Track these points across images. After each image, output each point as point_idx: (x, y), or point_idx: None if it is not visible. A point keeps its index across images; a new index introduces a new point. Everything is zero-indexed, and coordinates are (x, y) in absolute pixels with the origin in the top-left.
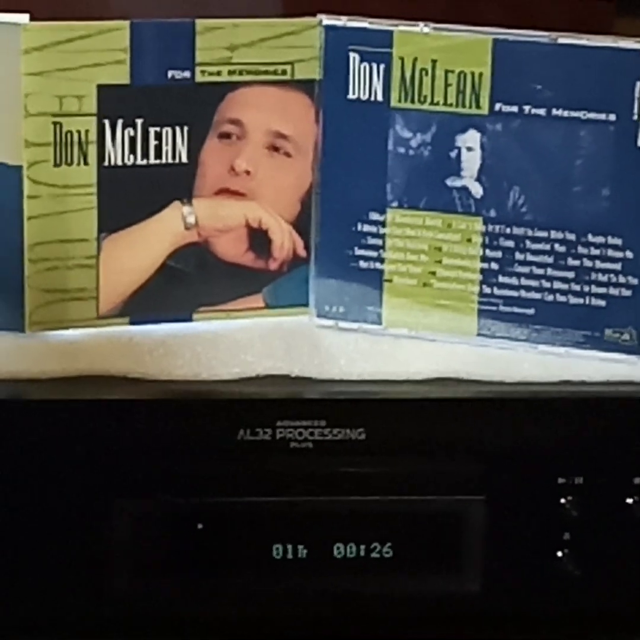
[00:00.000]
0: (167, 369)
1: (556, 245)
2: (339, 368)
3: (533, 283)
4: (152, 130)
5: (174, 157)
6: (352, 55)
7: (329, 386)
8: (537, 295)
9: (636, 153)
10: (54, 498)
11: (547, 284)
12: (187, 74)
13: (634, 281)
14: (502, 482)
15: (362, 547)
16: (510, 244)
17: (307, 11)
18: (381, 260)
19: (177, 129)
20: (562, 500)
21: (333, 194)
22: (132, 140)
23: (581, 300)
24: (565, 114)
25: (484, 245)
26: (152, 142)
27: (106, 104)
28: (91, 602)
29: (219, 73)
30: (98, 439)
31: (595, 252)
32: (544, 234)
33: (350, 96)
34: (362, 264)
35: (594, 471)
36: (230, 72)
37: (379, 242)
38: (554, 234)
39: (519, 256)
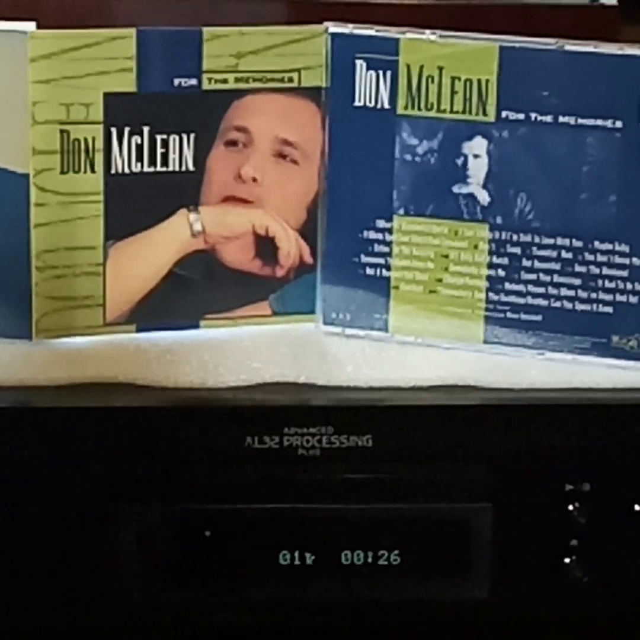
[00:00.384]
0: (174, 376)
1: (563, 252)
2: (345, 375)
3: (540, 290)
4: (158, 137)
5: (180, 164)
6: (358, 62)
7: (336, 393)
8: (544, 302)
9: None
10: (61, 505)
11: (553, 291)
12: (193, 81)
13: None
14: (510, 488)
15: (370, 554)
16: (517, 250)
17: (314, 19)
18: (388, 267)
19: (184, 136)
20: (570, 507)
21: (340, 201)
22: (139, 147)
23: (588, 307)
24: (572, 120)
25: (491, 252)
26: (159, 150)
27: (113, 112)
28: (98, 608)
29: (225, 80)
30: (105, 446)
31: (602, 258)
32: (550, 240)
33: (357, 103)
34: (369, 271)
35: (601, 478)
36: (237, 80)
37: (386, 249)
38: (560, 241)
39: (525, 263)
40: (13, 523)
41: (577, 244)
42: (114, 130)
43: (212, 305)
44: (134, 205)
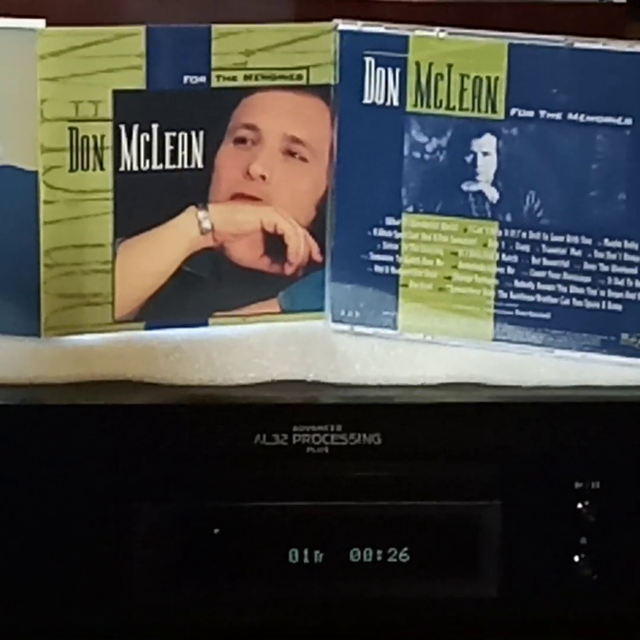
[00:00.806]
0: (182, 374)
1: (572, 250)
2: (354, 373)
3: (549, 287)
4: (167, 135)
5: (189, 162)
6: (367, 60)
7: (344, 391)
8: (553, 300)
9: None
10: (70, 503)
11: (563, 289)
12: (202, 79)
13: None
14: (519, 486)
15: (379, 551)
16: (526, 248)
17: (323, 16)
18: (397, 265)
19: (193, 134)
20: (579, 505)
21: (348, 198)
22: (148, 145)
23: (597, 305)
24: (581, 118)
25: (500, 250)
26: (168, 147)
27: (122, 109)
28: (106, 606)
29: (234, 78)
30: (113, 444)
31: (611, 256)
32: (560, 238)
33: (366, 101)
34: (378, 268)
35: (611, 476)
36: (246, 77)
37: (395, 246)
38: (570, 239)
39: (535, 261)
40: (20, 520)
41: (587, 241)
42: (123, 127)
43: (221, 302)
44: (142, 203)
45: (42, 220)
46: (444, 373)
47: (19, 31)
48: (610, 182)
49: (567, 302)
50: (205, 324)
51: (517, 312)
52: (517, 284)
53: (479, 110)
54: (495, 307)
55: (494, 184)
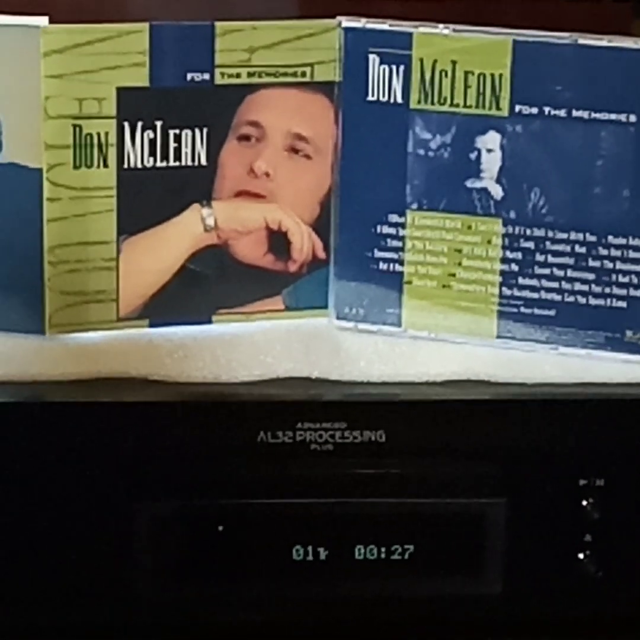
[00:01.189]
0: (186, 372)
1: (577, 247)
2: (358, 370)
3: (553, 285)
4: (171, 132)
5: (193, 159)
6: (371, 57)
7: (349, 388)
8: (558, 297)
9: None
10: (74, 501)
11: (567, 286)
12: (206, 76)
13: None
14: (523, 484)
15: (383, 549)
16: (530, 245)
17: (326, 13)
18: (401, 262)
19: (197, 131)
20: (584, 502)
21: (352, 195)
22: (152, 142)
23: (602, 302)
24: (586, 115)
25: (504, 247)
26: (172, 144)
27: (125, 107)
28: (109, 604)
29: (238, 75)
30: (118, 441)
31: (615, 253)
32: (564, 235)
33: (370, 98)
34: (382, 265)
35: (615, 473)
36: (250, 74)
37: (399, 243)
38: (574, 236)
39: (539, 258)
40: (25, 518)
41: (591, 238)
42: (126, 124)
43: (225, 300)
44: (146, 200)
45: (46, 218)
46: (448, 370)
47: (23, 28)
48: (615, 179)
49: (571, 299)
50: (209, 321)
51: (522, 309)
52: (522, 281)
53: (483, 107)
54: (500, 304)
55: (498, 181)
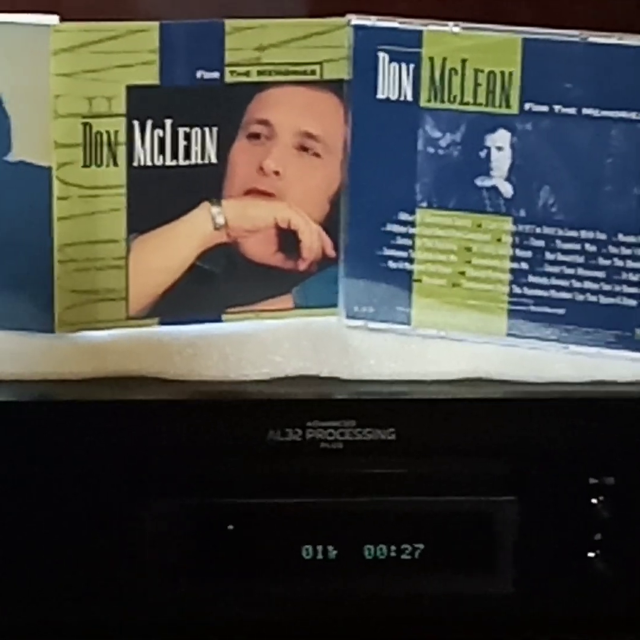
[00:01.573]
0: (196, 370)
1: (587, 245)
2: (368, 368)
3: (563, 283)
4: (181, 130)
5: (203, 157)
6: (381, 55)
7: (358, 386)
8: (568, 295)
9: None
10: (84, 499)
11: (577, 284)
12: (216, 74)
13: None
14: (533, 482)
15: (393, 548)
16: (540, 243)
17: (336, 11)
18: (410, 260)
19: (206, 129)
20: (594, 501)
21: (362, 194)
22: (161, 141)
23: (612, 300)
24: (596, 113)
25: (514, 245)
26: (181, 143)
27: (135, 105)
28: (118, 603)
29: (248, 73)
30: (126, 439)
31: (626, 251)
32: (574, 233)
33: (380, 96)
34: (391, 264)
35: (625, 471)
36: (259, 73)
37: (408, 242)
38: (584, 234)
39: (549, 256)
40: (34, 517)
41: (601, 236)
42: (136, 123)
43: (235, 298)
44: (156, 199)
45: (56, 216)
46: (457, 369)
47: (33, 27)
48: (625, 177)
49: (581, 297)
50: (219, 319)
51: (531, 308)
52: (531, 279)
53: (493, 105)
54: (509, 302)
55: (508, 179)
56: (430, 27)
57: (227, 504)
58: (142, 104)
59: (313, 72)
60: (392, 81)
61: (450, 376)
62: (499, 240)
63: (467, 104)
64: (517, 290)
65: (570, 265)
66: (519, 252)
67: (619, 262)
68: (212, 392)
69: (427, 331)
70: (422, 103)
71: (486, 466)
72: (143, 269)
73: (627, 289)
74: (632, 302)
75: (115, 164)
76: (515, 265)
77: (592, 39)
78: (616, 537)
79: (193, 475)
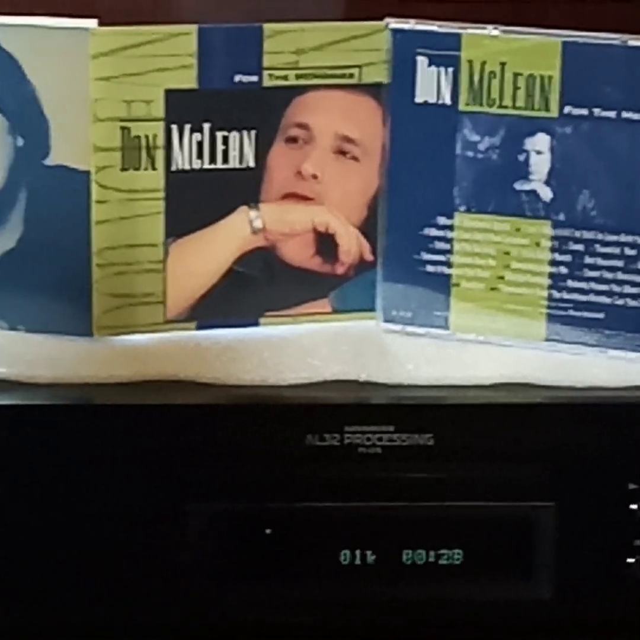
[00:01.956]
0: (234, 374)
1: (626, 249)
2: (406, 373)
3: (603, 287)
4: (219, 134)
5: (241, 161)
6: (419, 58)
7: (396, 391)
8: (607, 300)
9: None
10: (122, 503)
11: (617, 288)
12: (254, 78)
13: None
14: (572, 488)
15: (431, 553)
16: (579, 247)
17: (375, 15)
18: (449, 264)
19: (245, 133)
20: (633, 506)
21: (400, 198)
22: (200, 144)
23: None
24: (636, 116)
25: (553, 250)
26: (220, 147)
27: (174, 109)
28: (157, 605)
29: (286, 77)
30: (165, 443)
31: None
32: (614, 237)
33: (418, 100)
34: (430, 268)
35: None
36: (298, 76)
37: (447, 246)
38: (624, 238)
39: (588, 260)
40: (74, 520)
41: None
42: (174, 127)
43: (272, 302)
44: (194, 203)
45: (94, 220)
46: (496, 373)
47: (72, 31)
48: None
49: (621, 302)
50: (257, 323)
51: (571, 312)
52: (571, 283)
53: (533, 108)
54: (548, 307)
55: (547, 182)
56: (468, 31)
57: (264, 508)
58: (181, 108)
59: (351, 76)
60: (430, 85)
61: (488, 381)
62: (537, 244)
63: (506, 107)
64: (556, 294)
65: (609, 269)
66: (558, 257)
67: None
68: (250, 396)
69: (465, 336)
70: (461, 107)
71: (524, 471)
72: (181, 272)
73: None
74: None
75: (154, 167)
76: (554, 269)
77: (632, 43)
78: None
79: (230, 480)
